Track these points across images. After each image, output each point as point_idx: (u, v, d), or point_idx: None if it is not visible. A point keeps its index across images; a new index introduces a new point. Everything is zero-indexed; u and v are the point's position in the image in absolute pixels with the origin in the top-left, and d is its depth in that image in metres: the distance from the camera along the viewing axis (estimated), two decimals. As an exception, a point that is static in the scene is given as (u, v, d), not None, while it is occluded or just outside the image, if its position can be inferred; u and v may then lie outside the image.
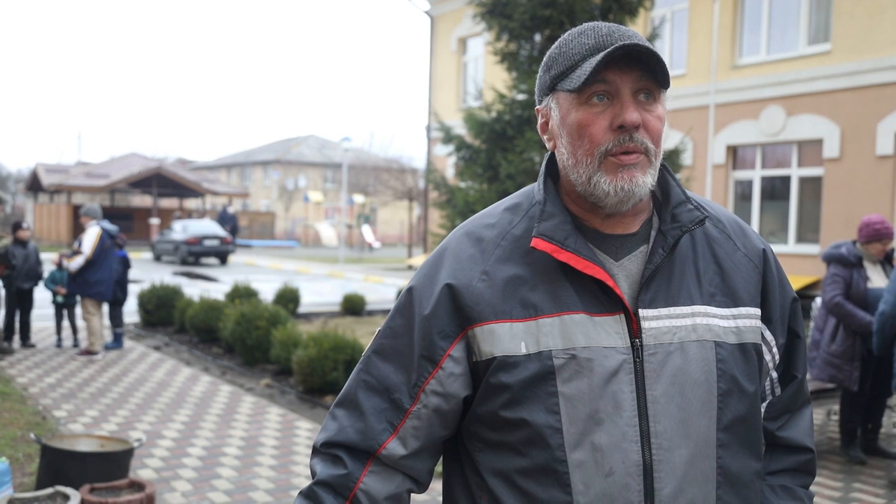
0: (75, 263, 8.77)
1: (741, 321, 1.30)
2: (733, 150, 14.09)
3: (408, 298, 1.33)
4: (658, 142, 1.27)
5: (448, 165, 17.30)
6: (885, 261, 5.72)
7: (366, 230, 37.57)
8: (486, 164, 9.40)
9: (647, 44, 1.23)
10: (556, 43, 1.31)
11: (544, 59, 1.33)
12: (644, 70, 1.23)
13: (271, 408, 6.97)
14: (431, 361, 1.27)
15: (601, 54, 1.22)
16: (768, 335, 1.36)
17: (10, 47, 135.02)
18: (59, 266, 9.00)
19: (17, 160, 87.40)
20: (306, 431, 6.25)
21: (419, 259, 23.20)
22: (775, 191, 13.72)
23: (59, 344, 9.58)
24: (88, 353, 8.94)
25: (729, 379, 1.26)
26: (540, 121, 1.36)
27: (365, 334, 10.49)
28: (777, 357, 1.39)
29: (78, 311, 9.69)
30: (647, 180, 1.26)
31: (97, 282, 8.89)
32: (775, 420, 1.41)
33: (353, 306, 13.17)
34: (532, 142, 8.67)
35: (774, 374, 1.40)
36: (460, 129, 10.42)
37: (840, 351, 5.53)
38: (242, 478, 5.12)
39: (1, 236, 8.76)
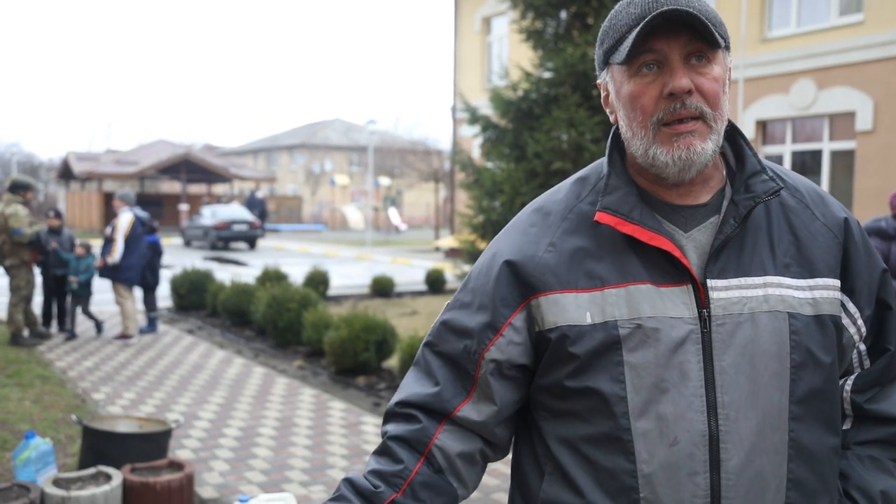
0: (117, 254, 8.87)
1: (818, 292, 1.27)
2: (763, 125, 13.89)
3: (475, 273, 1.37)
4: (716, 104, 1.23)
5: (474, 146, 17.24)
6: None
7: (392, 213, 37.64)
8: (512, 143, 9.36)
9: (698, 6, 1.20)
10: (609, 15, 1.30)
11: (599, 32, 1.32)
12: (692, 33, 1.20)
13: (304, 389, 7.05)
14: (493, 329, 1.29)
15: (641, 24, 1.20)
16: (851, 307, 1.32)
17: (41, 39, 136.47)
18: (80, 257, 9.09)
19: (49, 149, 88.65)
20: (339, 412, 6.31)
21: (446, 241, 23.19)
22: (806, 165, 13.51)
23: (71, 334, 9.24)
24: (124, 336, 9.09)
25: (803, 351, 1.24)
26: (602, 94, 1.35)
27: (395, 315, 10.55)
28: (864, 329, 1.34)
29: (103, 297, 9.77)
30: (707, 147, 1.23)
31: (127, 267, 9.01)
32: (864, 393, 1.36)
33: (382, 288, 13.24)
34: (559, 120, 8.61)
35: (862, 347, 1.36)
36: (486, 109, 10.38)
37: None
38: (278, 458, 5.20)
39: (33, 223, 8.89)
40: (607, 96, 1.34)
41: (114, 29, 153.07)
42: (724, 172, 1.34)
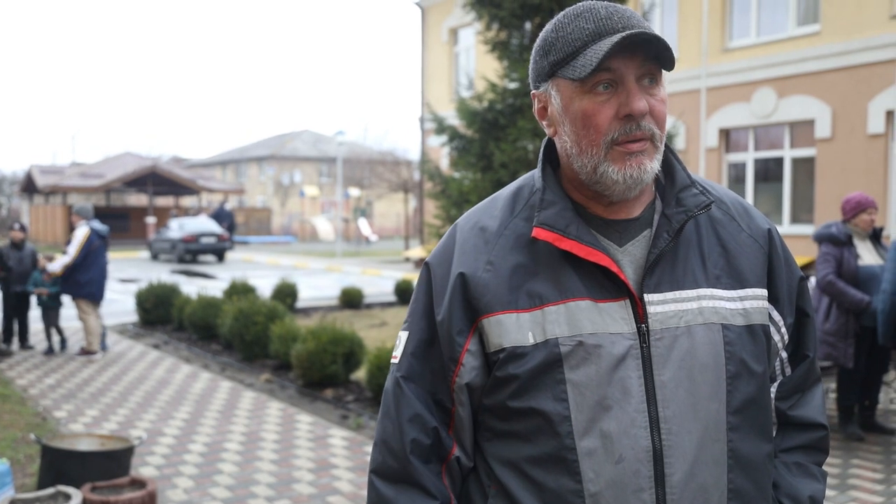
0: (57, 264, 8.75)
1: (748, 303, 1.29)
2: (726, 133, 14.10)
3: (424, 298, 1.34)
4: (663, 126, 1.25)
5: (442, 156, 17.30)
6: (874, 238, 5.74)
7: (362, 223, 37.55)
8: (479, 153, 9.40)
9: (647, 26, 1.21)
10: (552, 25, 1.26)
11: (539, 41, 1.28)
12: (647, 55, 1.21)
13: (271, 402, 6.99)
14: (453, 360, 1.28)
15: (607, 44, 1.18)
16: (776, 315, 1.34)
17: (3, 49, 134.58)
18: (43, 269, 8.93)
19: (12, 162, 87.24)
20: (306, 425, 6.27)
21: (416, 251, 23.20)
22: (769, 172, 13.75)
23: (50, 349, 9.16)
24: (87, 352, 8.94)
25: (737, 361, 1.25)
26: (537, 105, 1.32)
27: (363, 327, 10.51)
28: (786, 337, 1.37)
29: (66, 312, 9.56)
30: (654, 166, 1.24)
31: (88, 282, 8.86)
32: (787, 399, 1.39)
33: (351, 299, 13.19)
34: (524, 130, 8.67)
35: (784, 354, 1.39)
36: (453, 119, 10.41)
37: (834, 329, 5.56)
38: (244, 473, 5.15)
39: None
40: (543, 108, 1.31)
41: (79, 39, 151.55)
42: (653, 186, 1.35)
